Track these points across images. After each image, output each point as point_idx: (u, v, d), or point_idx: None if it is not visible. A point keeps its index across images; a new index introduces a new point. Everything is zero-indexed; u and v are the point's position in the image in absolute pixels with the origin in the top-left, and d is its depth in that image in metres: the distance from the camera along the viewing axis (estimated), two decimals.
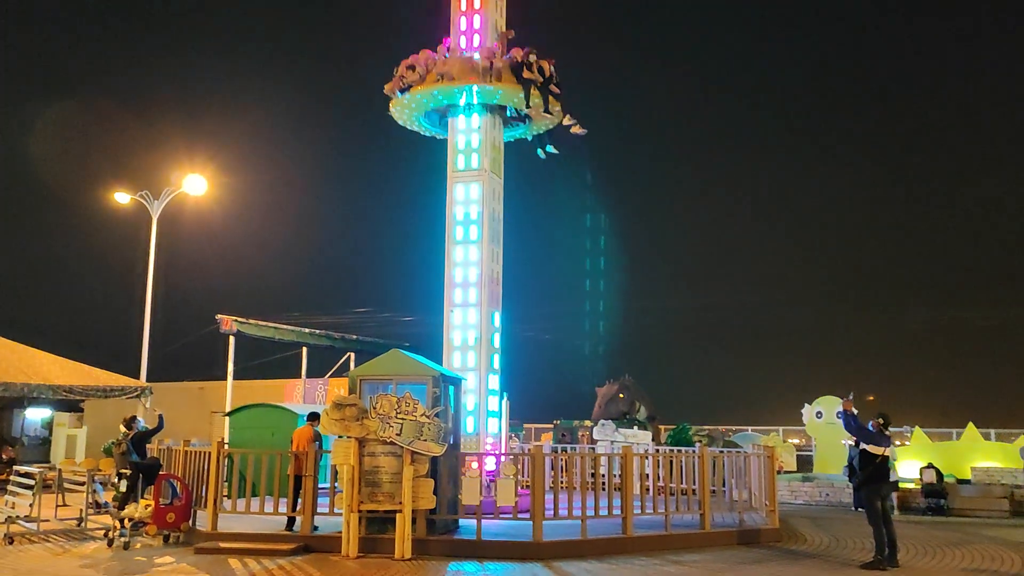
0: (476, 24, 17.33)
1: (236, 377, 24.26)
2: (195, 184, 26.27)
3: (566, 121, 17.67)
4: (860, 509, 12.32)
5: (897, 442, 24.49)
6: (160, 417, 15.00)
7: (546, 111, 16.94)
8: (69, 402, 25.28)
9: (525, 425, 29.80)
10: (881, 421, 11.81)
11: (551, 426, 26.39)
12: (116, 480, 14.03)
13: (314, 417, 13.76)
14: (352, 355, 27.40)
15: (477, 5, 17.38)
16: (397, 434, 11.80)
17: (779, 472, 23.57)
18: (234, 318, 23.35)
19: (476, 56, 16.79)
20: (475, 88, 16.54)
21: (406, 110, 17.51)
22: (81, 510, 14.49)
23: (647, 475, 15.47)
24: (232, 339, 23.46)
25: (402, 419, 11.81)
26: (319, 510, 12.66)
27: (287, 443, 14.48)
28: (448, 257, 16.76)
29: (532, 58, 16.54)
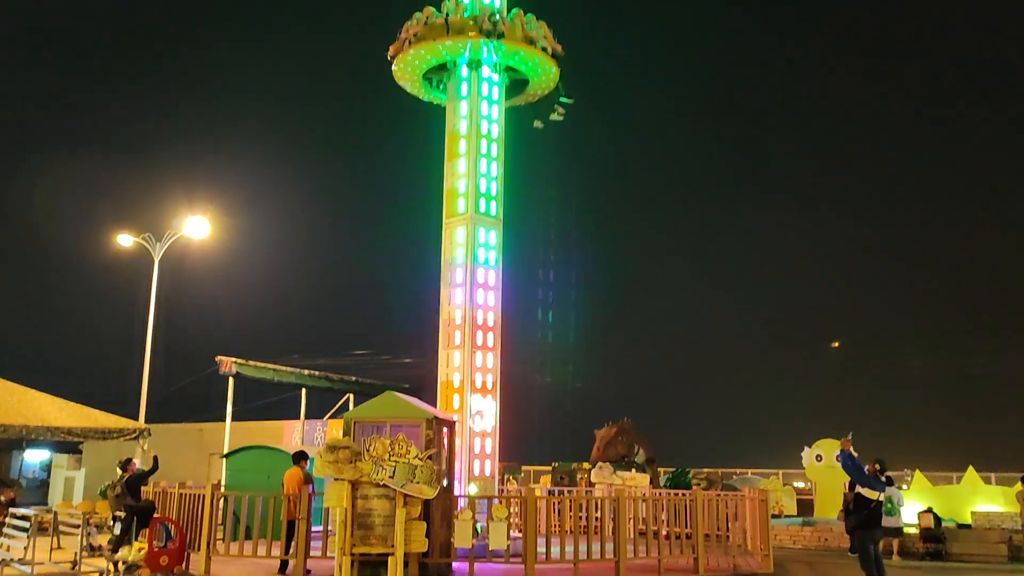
0: None
1: (235, 419, 24.33)
2: (197, 226, 26.57)
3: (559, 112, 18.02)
4: (854, 554, 12.31)
5: (903, 486, 24.39)
6: (155, 459, 15.06)
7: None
8: (68, 444, 25.30)
9: (523, 467, 29.72)
10: (877, 466, 11.87)
11: (550, 468, 26.32)
12: (111, 523, 14.05)
13: (301, 457, 13.82)
14: (351, 396, 27.45)
15: None
16: (390, 476, 11.84)
17: (779, 516, 23.47)
18: (233, 359, 23.48)
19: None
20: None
21: (409, 68, 17.66)
22: (75, 553, 14.47)
23: (642, 518, 15.39)
24: (231, 380, 23.56)
25: (395, 461, 11.86)
26: (312, 553, 12.67)
27: (281, 487, 14.52)
28: (442, 300, 16.98)
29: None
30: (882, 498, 11.66)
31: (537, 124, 18.88)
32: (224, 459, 20.24)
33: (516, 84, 18.26)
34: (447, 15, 16.81)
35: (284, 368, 25.34)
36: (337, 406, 27.61)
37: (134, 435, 21.28)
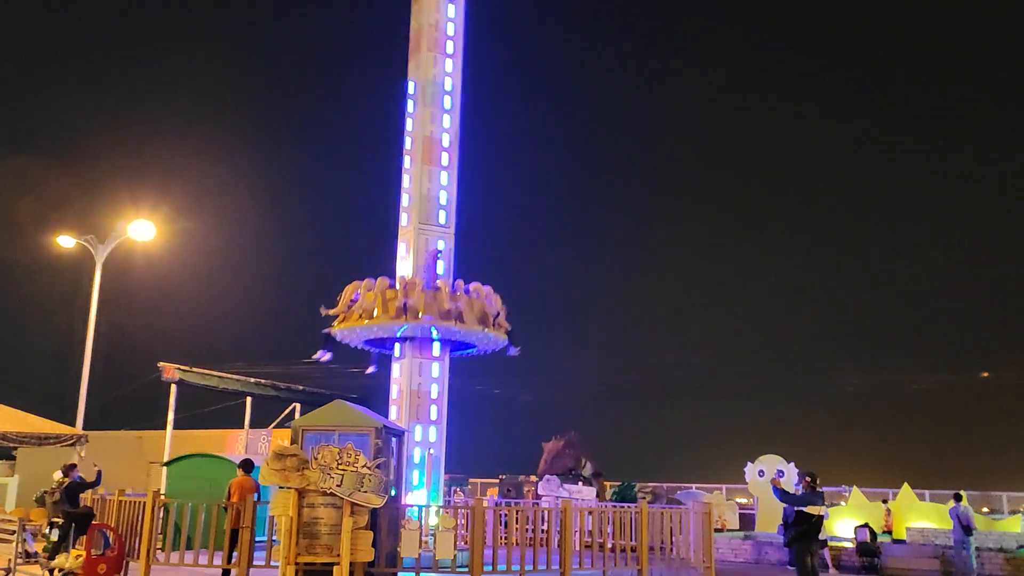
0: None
1: (176, 427, 23.84)
2: (142, 229, 26.08)
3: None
4: (793, 567, 12.56)
5: (842, 502, 24.95)
6: (99, 473, 14.76)
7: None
8: (1, 450, 24.57)
9: (471, 480, 29.68)
10: (808, 479, 12.14)
11: (497, 480, 26.33)
12: (48, 529, 13.69)
13: (247, 466, 13.64)
14: (297, 406, 27.12)
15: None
16: (338, 485, 11.76)
17: (721, 530, 23.82)
18: (177, 366, 23.06)
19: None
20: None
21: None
22: (9, 560, 14.06)
23: (588, 531, 15.48)
24: (174, 388, 23.13)
25: (343, 470, 11.79)
26: (255, 563, 12.49)
27: (225, 495, 14.29)
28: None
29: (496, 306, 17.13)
30: (824, 512, 11.94)
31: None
32: (165, 467, 19.83)
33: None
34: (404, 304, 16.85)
35: (229, 375, 24.96)
36: (283, 415, 27.27)
37: (71, 441, 20.80)
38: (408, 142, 18.07)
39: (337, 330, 17.24)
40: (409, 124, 18.06)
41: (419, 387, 16.97)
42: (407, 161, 18.01)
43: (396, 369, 17.62)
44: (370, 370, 18.77)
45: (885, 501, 21.27)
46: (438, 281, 16.92)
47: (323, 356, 18.04)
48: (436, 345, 17.30)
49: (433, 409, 17.04)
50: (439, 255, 17.43)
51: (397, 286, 16.74)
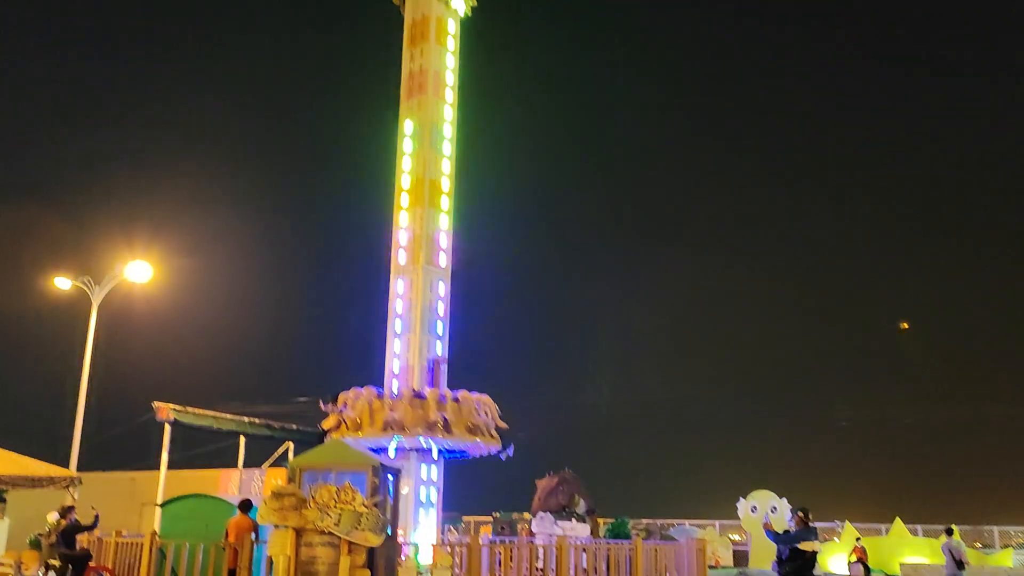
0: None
1: (171, 467, 23.84)
2: (138, 271, 26.23)
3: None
4: None
5: (835, 538, 25.01)
6: (96, 516, 14.78)
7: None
8: None
9: (464, 517, 29.60)
10: (801, 515, 12.27)
11: (491, 518, 26.29)
12: (44, 571, 13.69)
13: (246, 506, 13.71)
14: (291, 445, 27.10)
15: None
16: (335, 524, 11.87)
17: (715, 567, 23.83)
18: (171, 406, 23.11)
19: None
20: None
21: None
22: None
23: (583, 568, 15.57)
24: (168, 428, 23.15)
25: (341, 509, 11.91)
26: None
27: (222, 536, 14.33)
28: (388, 348, 17.22)
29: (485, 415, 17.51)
30: (818, 547, 12.05)
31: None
32: (160, 508, 19.80)
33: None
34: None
35: (224, 415, 25.00)
36: (277, 454, 27.22)
37: (65, 483, 20.72)
38: (407, 181, 18.33)
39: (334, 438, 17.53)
40: (408, 163, 18.36)
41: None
42: (406, 200, 18.28)
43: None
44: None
45: (858, 538, 21.42)
46: (426, 391, 17.15)
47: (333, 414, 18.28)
48: (434, 449, 17.55)
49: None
50: (442, 364, 17.76)
51: (384, 394, 17.03)
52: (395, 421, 16.46)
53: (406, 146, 18.48)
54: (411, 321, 17.17)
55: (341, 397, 17.22)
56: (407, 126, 18.40)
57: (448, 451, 17.77)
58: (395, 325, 17.29)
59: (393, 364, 17.07)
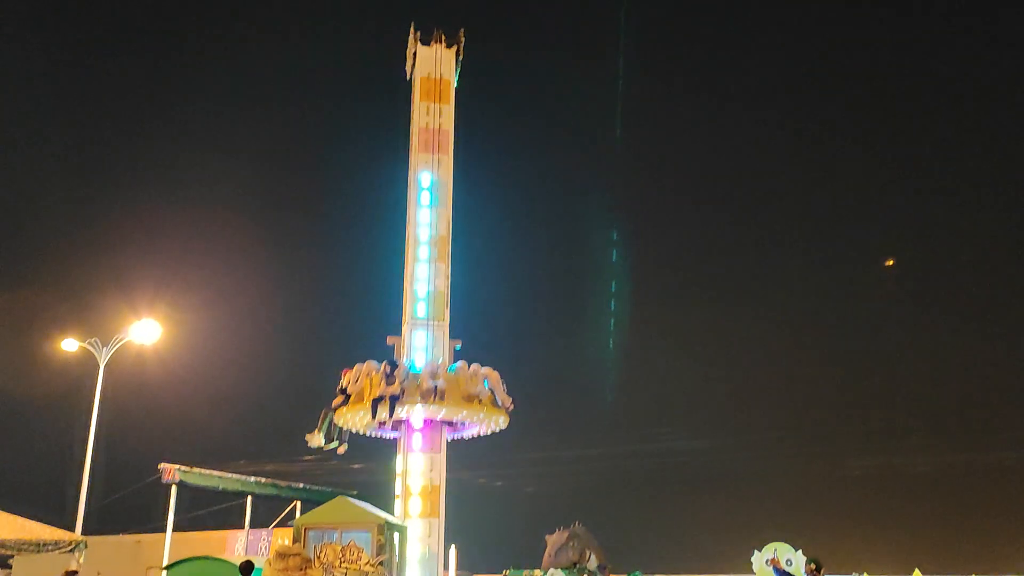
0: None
1: (177, 529, 23.62)
2: (145, 331, 26.35)
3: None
4: None
5: None
6: None
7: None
8: None
9: (475, 575, 29.14)
10: (813, 566, 12.14)
11: None
12: None
13: (247, 568, 13.56)
14: (298, 504, 26.88)
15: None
16: None
17: None
18: (178, 467, 22.98)
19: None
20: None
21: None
22: None
23: None
24: (174, 489, 23.00)
25: (346, 568, 11.78)
26: None
27: None
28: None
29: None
30: None
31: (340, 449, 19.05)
32: (165, 571, 19.59)
33: None
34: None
35: (230, 475, 24.83)
36: (284, 514, 26.98)
37: (70, 547, 20.53)
38: (423, 234, 18.36)
39: (339, 419, 17.39)
40: (424, 216, 18.42)
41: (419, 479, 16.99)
42: (423, 252, 18.33)
43: (398, 463, 17.66)
44: (341, 449, 18.58)
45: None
46: (423, 365, 17.15)
47: (340, 447, 18.06)
48: (443, 434, 17.38)
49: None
50: (457, 351, 17.80)
51: (382, 368, 16.93)
52: (389, 392, 16.35)
53: (424, 200, 18.59)
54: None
55: (344, 374, 17.17)
56: (426, 178, 18.59)
57: (449, 428, 17.58)
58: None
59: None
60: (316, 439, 18.01)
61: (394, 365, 16.96)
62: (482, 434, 18.62)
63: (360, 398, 16.83)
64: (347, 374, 17.38)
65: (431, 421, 17.20)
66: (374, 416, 16.62)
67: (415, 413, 16.89)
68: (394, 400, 16.56)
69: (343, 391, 17.38)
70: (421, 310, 18.11)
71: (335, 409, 17.44)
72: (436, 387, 16.68)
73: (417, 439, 17.11)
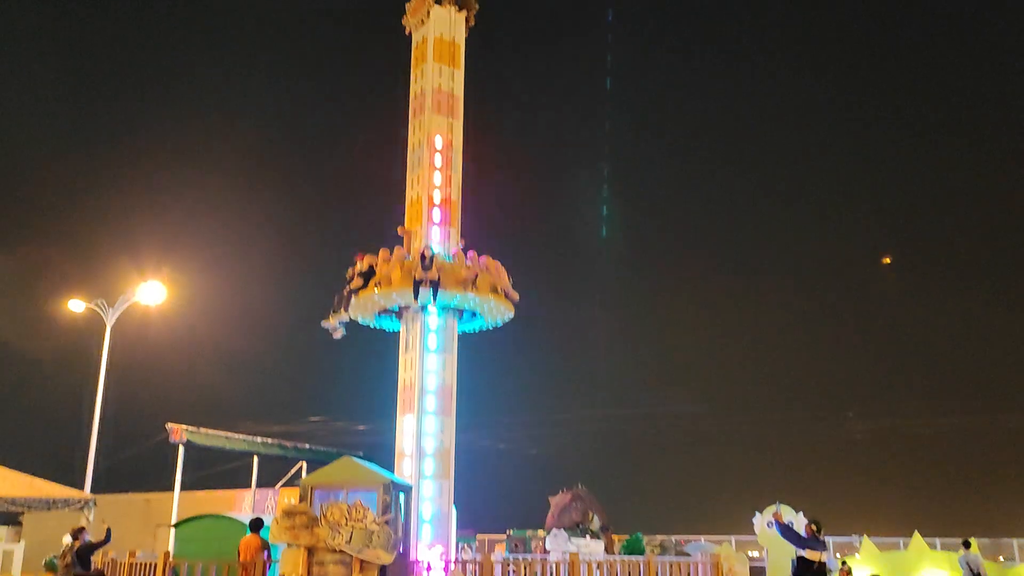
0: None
1: (184, 488, 23.91)
2: (151, 292, 26.45)
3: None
4: None
5: (856, 555, 24.79)
6: (108, 531, 14.84)
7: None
8: (7, 515, 24.56)
9: (479, 536, 29.50)
10: (814, 527, 12.24)
11: (504, 536, 26.21)
12: None
13: (257, 524, 13.74)
14: (304, 464, 27.17)
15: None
16: (347, 542, 11.88)
17: None
18: (184, 427, 23.20)
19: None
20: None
21: (366, 304, 17.96)
22: None
23: None
24: (181, 449, 23.24)
25: (352, 526, 11.92)
26: None
27: (235, 555, 14.36)
28: (400, 366, 17.24)
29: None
30: (824, 559, 11.99)
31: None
32: (173, 528, 19.86)
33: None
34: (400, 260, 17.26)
35: (236, 436, 25.07)
36: (290, 474, 27.27)
37: (79, 505, 20.84)
38: (437, 196, 18.19)
39: (355, 300, 17.19)
40: (437, 179, 18.24)
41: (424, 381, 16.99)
42: (436, 215, 18.22)
43: (402, 363, 17.54)
44: (339, 334, 18.37)
45: (844, 562, 21.15)
46: (452, 251, 17.25)
47: (336, 331, 17.95)
48: (452, 321, 17.47)
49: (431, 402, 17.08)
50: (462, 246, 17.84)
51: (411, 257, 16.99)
52: (428, 276, 16.44)
53: (438, 162, 18.41)
54: (418, 337, 17.19)
55: (366, 259, 17.19)
56: (438, 142, 18.45)
57: (457, 315, 17.75)
58: (407, 341, 17.30)
59: (408, 381, 17.08)
60: (334, 321, 17.85)
61: (432, 251, 16.96)
62: (487, 327, 18.65)
63: (388, 281, 16.73)
64: (363, 258, 17.23)
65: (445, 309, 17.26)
66: (416, 297, 16.58)
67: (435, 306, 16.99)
68: (435, 285, 16.55)
69: (362, 274, 17.17)
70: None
71: (355, 291, 17.17)
72: (472, 275, 16.76)
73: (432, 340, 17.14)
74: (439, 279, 16.67)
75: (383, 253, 17.40)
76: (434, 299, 16.79)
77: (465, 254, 17.52)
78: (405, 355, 17.56)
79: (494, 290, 17.32)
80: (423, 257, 16.90)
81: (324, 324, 17.99)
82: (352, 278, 17.54)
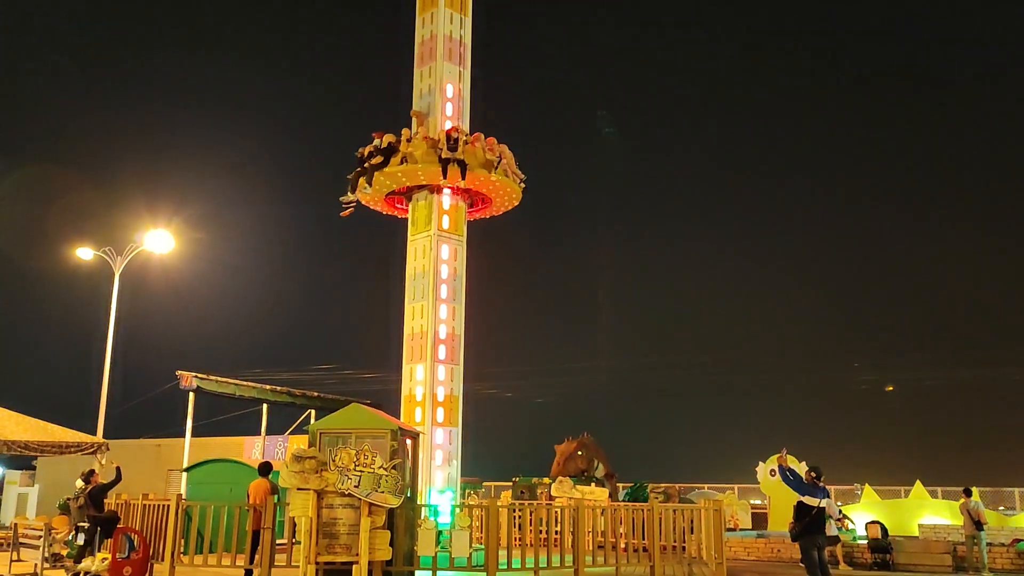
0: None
1: (195, 434, 24.21)
2: (160, 240, 26.48)
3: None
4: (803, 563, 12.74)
5: (857, 502, 25.10)
6: (117, 470, 15.06)
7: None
8: (22, 459, 24.96)
9: (485, 483, 29.93)
10: (813, 473, 12.37)
11: (510, 483, 26.59)
12: (74, 534, 14.03)
13: (267, 469, 13.95)
14: (312, 412, 27.47)
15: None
16: (355, 486, 12.06)
17: (734, 529, 23.99)
18: (194, 374, 23.40)
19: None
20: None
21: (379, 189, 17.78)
22: (36, 564, 14.43)
23: (600, 531, 15.79)
24: (192, 395, 23.49)
25: (360, 471, 12.09)
26: (276, 564, 12.80)
27: (245, 498, 14.61)
28: (406, 314, 17.27)
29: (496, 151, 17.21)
30: (823, 504, 12.12)
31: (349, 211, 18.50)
32: (185, 472, 20.19)
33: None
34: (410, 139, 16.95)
35: (246, 383, 25.31)
36: (299, 421, 27.61)
37: (92, 450, 21.09)
38: (449, 89, 17.89)
39: (375, 176, 16.83)
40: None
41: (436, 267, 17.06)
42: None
43: (411, 248, 17.46)
44: (347, 212, 18.18)
45: (844, 516, 21.34)
46: (471, 135, 16.98)
47: (350, 208, 17.77)
48: (460, 208, 17.44)
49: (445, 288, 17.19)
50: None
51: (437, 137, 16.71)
52: (455, 157, 16.29)
53: (449, 110, 18.10)
54: (425, 287, 17.17)
55: (387, 136, 17.01)
56: (449, 90, 18.15)
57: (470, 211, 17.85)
58: (413, 291, 17.32)
59: (415, 328, 17.16)
60: (353, 198, 17.70)
61: (456, 132, 16.69)
62: (495, 215, 18.66)
63: (413, 158, 16.45)
64: (382, 136, 16.92)
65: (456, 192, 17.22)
66: (444, 175, 16.36)
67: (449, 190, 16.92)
68: (463, 164, 16.30)
69: (381, 150, 16.84)
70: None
71: (376, 168, 16.82)
72: (498, 158, 16.60)
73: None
74: (464, 161, 16.33)
75: (406, 132, 17.04)
76: (463, 178, 16.40)
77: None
78: (413, 241, 17.35)
79: (513, 174, 17.16)
80: (448, 136, 16.54)
81: (342, 200, 17.67)
82: (371, 155, 17.10)
